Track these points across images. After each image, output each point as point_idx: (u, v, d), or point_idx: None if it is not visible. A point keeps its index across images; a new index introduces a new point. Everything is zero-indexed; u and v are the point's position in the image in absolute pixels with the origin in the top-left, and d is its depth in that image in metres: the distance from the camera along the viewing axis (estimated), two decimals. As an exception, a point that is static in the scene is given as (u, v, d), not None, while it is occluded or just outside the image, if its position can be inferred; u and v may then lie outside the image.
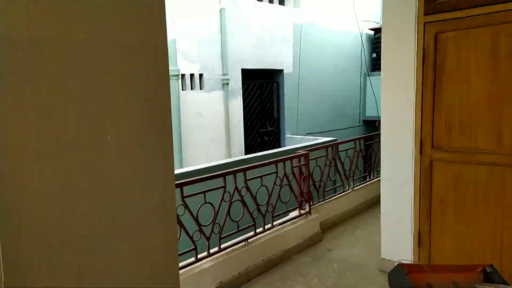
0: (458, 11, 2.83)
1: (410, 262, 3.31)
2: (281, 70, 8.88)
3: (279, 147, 8.96)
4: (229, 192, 3.45)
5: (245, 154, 8.03)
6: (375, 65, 10.74)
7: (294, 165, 4.22)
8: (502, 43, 2.68)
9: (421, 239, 3.26)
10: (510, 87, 2.69)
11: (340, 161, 5.19)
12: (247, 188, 3.63)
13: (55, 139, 0.99)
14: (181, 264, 3.12)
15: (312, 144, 6.45)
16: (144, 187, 1.18)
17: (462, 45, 2.86)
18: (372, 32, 11.02)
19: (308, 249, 4.22)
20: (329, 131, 9.94)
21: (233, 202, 3.52)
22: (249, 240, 3.69)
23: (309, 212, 4.39)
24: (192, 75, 7.04)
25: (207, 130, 7.24)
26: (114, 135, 1.09)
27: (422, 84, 3.07)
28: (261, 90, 8.76)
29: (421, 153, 3.15)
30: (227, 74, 7.51)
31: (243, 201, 3.62)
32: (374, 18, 10.62)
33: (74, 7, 0.99)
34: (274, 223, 4.02)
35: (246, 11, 7.94)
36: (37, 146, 0.96)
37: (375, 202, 5.34)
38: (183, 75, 6.84)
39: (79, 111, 1.03)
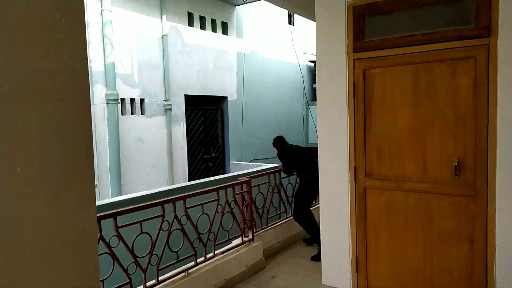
0: (383, 50, 3.08)
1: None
2: (225, 97, 8.99)
3: (224, 173, 8.92)
4: (167, 221, 3.33)
5: (189, 180, 7.89)
6: (315, 95, 11.24)
7: (236, 192, 4.20)
8: (422, 80, 2.94)
9: (359, 264, 3.35)
10: (430, 120, 2.94)
11: (283, 188, 5.26)
12: (187, 216, 3.53)
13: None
14: (114, 300, 2.93)
15: (254, 171, 6.47)
16: (58, 221, 1.10)
17: (388, 80, 3.09)
18: (312, 64, 11.60)
19: (252, 277, 4.16)
20: (274, 157, 10.10)
21: (172, 231, 3.40)
22: (190, 271, 3.56)
23: (252, 240, 4.36)
24: (132, 100, 6.87)
25: (148, 156, 7.03)
26: (25, 166, 1.01)
27: (354, 116, 3.25)
28: (205, 116, 8.76)
29: (355, 181, 3.29)
30: (169, 99, 7.43)
31: (183, 230, 3.51)
32: (314, 51, 11.22)
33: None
34: (216, 252, 3.93)
35: (189, 39, 8.01)
36: None
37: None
38: (122, 100, 6.65)
39: None
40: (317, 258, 4.30)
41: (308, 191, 4.78)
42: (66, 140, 1.12)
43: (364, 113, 3.20)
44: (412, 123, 3.01)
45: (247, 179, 4.38)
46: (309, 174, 4.73)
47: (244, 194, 4.32)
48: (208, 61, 8.45)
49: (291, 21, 11.35)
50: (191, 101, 8.21)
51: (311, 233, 4.78)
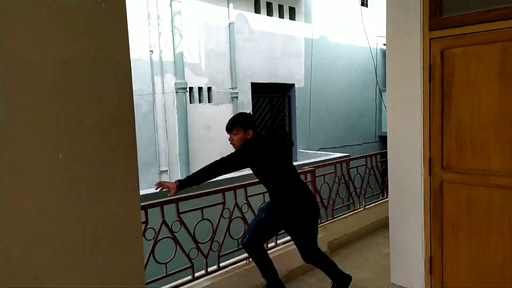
0: (464, 27, 2.69)
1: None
2: (293, 84, 8.83)
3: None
4: (228, 209, 3.34)
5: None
6: (390, 80, 10.59)
7: (299, 182, 4.08)
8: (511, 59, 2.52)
9: (433, 265, 3.06)
10: (524, 105, 2.52)
11: (351, 179, 5.01)
12: (248, 205, 3.51)
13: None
14: (177, 283, 3.01)
15: (320, 161, 6.28)
16: (102, 208, 1.09)
17: (470, 61, 2.71)
18: (387, 47, 10.88)
19: (315, 270, 4.02)
20: (343, 146, 9.78)
21: (233, 219, 3.40)
22: (251, 259, 3.54)
23: (316, 231, 4.22)
24: (200, 88, 7.04)
25: (215, 143, 7.18)
26: (67, 153, 1.00)
27: (430, 102, 2.92)
28: (272, 104, 8.70)
29: (430, 174, 2.98)
30: (236, 87, 7.48)
31: (244, 218, 3.50)
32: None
33: (27, 22, 0.94)
34: (278, 242, 3.87)
35: (256, 26, 7.95)
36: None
37: (388, 222, 5.12)
38: (191, 88, 6.83)
39: (29, 127, 0.96)
40: None
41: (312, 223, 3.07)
42: (108, 128, 1.10)
43: (442, 98, 2.86)
44: (500, 109, 2.61)
45: (311, 168, 4.23)
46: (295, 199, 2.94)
47: (308, 184, 4.18)
48: (275, 48, 8.34)
49: (364, 2, 10.73)
50: (257, 88, 8.20)
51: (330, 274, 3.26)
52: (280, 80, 8.54)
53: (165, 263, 2.91)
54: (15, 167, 0.95)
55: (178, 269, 3.01)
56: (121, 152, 1.14)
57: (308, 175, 4.19)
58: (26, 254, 0.98)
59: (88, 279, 1.09)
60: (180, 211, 2.98)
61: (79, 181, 1.07)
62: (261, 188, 3.66)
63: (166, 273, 2.92)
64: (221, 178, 5.42)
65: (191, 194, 3.09)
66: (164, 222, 2.88)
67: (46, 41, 0.98)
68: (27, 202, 0.98)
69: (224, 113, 7.38)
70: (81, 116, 1.05)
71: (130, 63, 1.15)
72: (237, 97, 7.53)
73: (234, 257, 3.50)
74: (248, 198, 3.50)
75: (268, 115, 8.61)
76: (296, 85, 8.87)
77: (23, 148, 0.95)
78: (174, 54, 6.47)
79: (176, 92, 6.49)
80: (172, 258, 2.96)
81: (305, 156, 8.54)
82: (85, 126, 1.06)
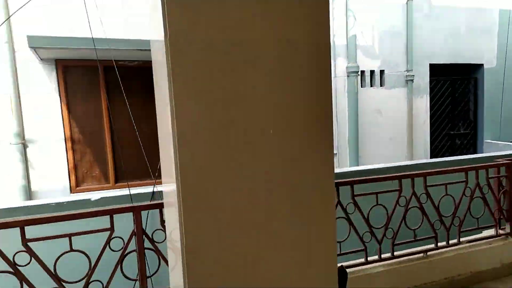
0: None
1: None
2: (481, 65, 7.65)
3: (475, 152, 7.79)
4: (405, 197, 3.17)
5: (431, 157, 7.29)
6: None
7: (490, 176, 3.56)
8: None
9: None
10: None
11: None
12: (428, 195, 3.26)
13: (226, 132, 1.11)
14: (350, 263, 3.06)
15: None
16: (302, 180, 1.21)
17: None
18: None
19: (508, 278, 3.51)
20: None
21: (410, 208, 3.21)
22: (429, 253, 3.32)
23: (510, 234, 3.63)
24: (372, 72, 6.81)
25: (386, 128, 6.88)
26: (276, 129, 1.15)
27: None
28: (454, 88, 7.74)
29: None
30: (411, 70, 6.95)
31: (422, 209, 3.27)
32: None
33: (244, 9, 1.09)
34: (461, 239, 3.48)
35: (437, 1, 7.15)
36: (210, 140, 1.10)
37: None
38: (362, 72, 6.69)
39: (247, 105, 1.13)
40: None
41: None
42: (310, 108, 1.21)
43: None
44: None
45: (506, 161, 3.62)
46: None
47: (501, 179, 3.61)
48: (460, 23, 7.34)
49: None
50: (436, 70, 7.42)
51: None
52: (464, 60, 7.50)
53: (340, 242, 2.96)
54: (240, 143, 1.13)
55: (351, 250, 3.05)
56: (320, 130, 1.24)
57: (502, 169, 3.61)
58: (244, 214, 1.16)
59: (294, 245, 1.22)
60: (354, 194, 2.99)
61: (285, 152, 1.20)
62: (443, 179, 3.35)
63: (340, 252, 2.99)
64: (396, 165, 5.22)
65: (366, 178, 3.07)
66: (339, 202, 2.94)
67: (266, 28, 1.14)
68: (251, 169, 1.16)
69: (396, 97, 6.98)
70: (288, 95, 1.18)
71: (330, 47, 1.21)
72: (412, 80, 6.98)
73: (409, 248, 3.32)
74: (428, 189, 3.25)
75: (448, 100, 7.71)
76: (485, 66, 7.64)
77: (244, 124, 1.12)
78: (347, 38, 6.44)
79: (348, 76, 6.47)
80: (346, 239, 3.00)
81: (494, 148, 7.36)
82: (292, 104, 1.18)
